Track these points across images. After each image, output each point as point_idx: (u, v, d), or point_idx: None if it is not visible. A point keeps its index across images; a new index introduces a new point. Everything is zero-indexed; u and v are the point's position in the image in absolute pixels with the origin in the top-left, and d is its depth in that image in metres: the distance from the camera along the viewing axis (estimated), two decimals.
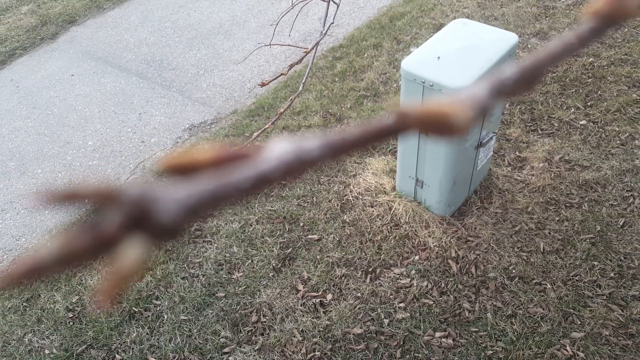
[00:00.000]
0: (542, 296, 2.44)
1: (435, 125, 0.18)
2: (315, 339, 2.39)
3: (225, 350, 2.42)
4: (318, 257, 2.74)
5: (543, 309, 2.39)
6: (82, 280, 2.80)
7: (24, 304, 2.73)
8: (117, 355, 2.45)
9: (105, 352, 2.48)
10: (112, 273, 0.14)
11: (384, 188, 3.02)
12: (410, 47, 4.30)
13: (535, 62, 0.23)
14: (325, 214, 2.95)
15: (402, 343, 2.34)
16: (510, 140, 3.26)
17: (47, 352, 2.50)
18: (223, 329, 2.49)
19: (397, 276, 2.61)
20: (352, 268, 2.67)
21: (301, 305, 2.54)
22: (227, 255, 2.82)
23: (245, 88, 4.23)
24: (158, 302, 2.64)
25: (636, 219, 2.70)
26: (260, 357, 2.37)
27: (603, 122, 3.28)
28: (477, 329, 2.35)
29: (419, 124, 0.18)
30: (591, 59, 3.77)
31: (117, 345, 2.49)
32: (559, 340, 2.27)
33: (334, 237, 2.82)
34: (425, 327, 2.39)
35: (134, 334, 2.52)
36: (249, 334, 2.47)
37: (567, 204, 2.83)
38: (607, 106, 3.38)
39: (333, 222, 2.91)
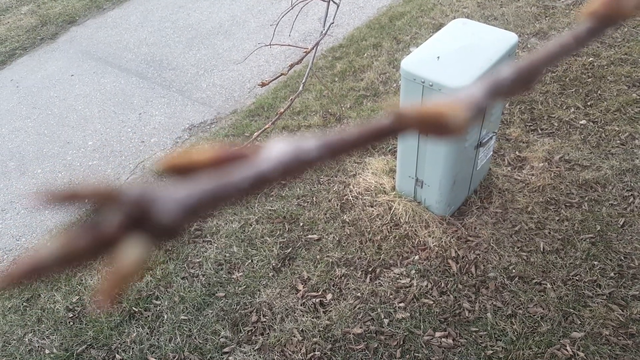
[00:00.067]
0: (542, 296, 2.44)
1: (433, 126, 0.18)
2: (315, 339, 2.40)
3: (225, 350, 2.42)
4: (318, 257, 2.74)
5: (543, 309, 2.39)
6: (82, 280, 2.80)
7: (24, 303, 2.74)
8: (117, 355, 2.45)
9: (106, 352, 2.48)
10: (112, 273, 0.14)
11: (384, 188, 3.02)
12: (410, 47, 4.31)
13: (532, 62, 0.23)
14: (325, 214, 2.95)
15: (402, 343, 2.35)
16: (510, 140, 3.26)
17: (47, 352, 2.50)
18: (223, 328, 2.49)
19: (397, 276, 2.61)
20: (352, 268, 2.67)
21: (301, 305, 2.54)
22: (227, 255, 2.82)
23: (245, 88, 4.23)
24: (158, 302, 2.65)
25: (636, 219, 2.70)
26: (260, 357, 2.37)
27: (603, 121, 3.28)
28: (477, 329, 2.36)
29: (417, 124, 0.19)
30: (591, 59, 3.78)
31: (117, 345, 2.49)
32: (559, 340, 2.28)
33: (333, 237, 2.82)
34: (425, 326, 2.39)
35: (134, 334, 2.52)
36: (249, 333, 2.47)
37: (567, 204, 2.83)
38: (607, 106, 3.38)
39: (333, 222, 2.91)
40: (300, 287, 2.62)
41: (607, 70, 3.66)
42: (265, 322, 2.50)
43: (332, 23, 1.64)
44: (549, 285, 2.47)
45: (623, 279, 2.46)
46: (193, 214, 0.16)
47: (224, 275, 2.73)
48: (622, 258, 2.55)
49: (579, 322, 2.32)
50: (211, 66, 4.53)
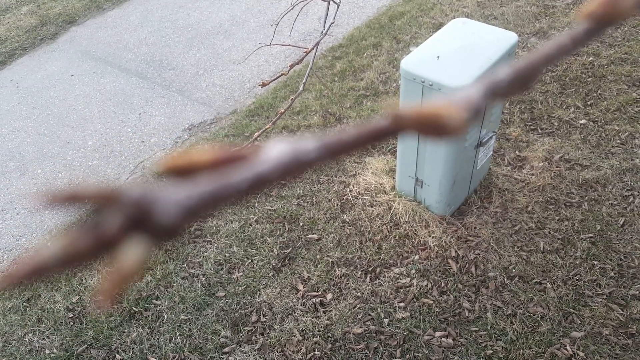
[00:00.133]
0: (542, 295, 2.44)
1: (431, 127, 0.19)
2: (315, 339, 2.40)
3: (225, 350, 2.42)
4: (318, 256, 2.74)
5: (543, 309, 2.39)
6: (82, 280, 2.80)
7: (25, 304, 2.74)
8: (117, 355, 2.45)
9: (106, 352, 2.48)
10: (112, 273, 0.15)
11: (384, 188, 3.02)
12: (409, 46, 4.31)
13: (530, 63, 0.24)
14: (325, 214, 2.96)
15: (402, 342, 2.35)
16: (510, 140, 3.26)
17: (47, 352, 2.50)
18: (223, 328, 2.50)
19: (397, 276, 2.61)
20: (352, 268, 2.67)
21: (301, 305, 2.54)
22: (227, 255, 2.82)
23: (245, 88, 4.24)
24: (158, 302, 2.65)
25: (636, 218, 2.70)
26: (260, 356, 2.37)
27: (603, 121, 3.29)
28: (477, 329, 2.36)
29: (415, 125, 0.19)
30: (591, 58, 3.78)
31: (117, 345, 2.49)
32: (559, 339, 2.28)
33: (333, 237, 2.82)
34: (425, 326, 2.39)
35: (134, 334, 2.52)
36: (249, 333, 2.47)
37: (567, 203, 2.83)
38: (607, 105, 3.38)
39: (333, 221, 2.91)
40: (300, 287, 2.62)
41: (607, 69, 3.66)
42: (265, 322, 2.51)
43: (333, 23, 1.64)
44: (549, 285, 2.47)
45: (623, 278, 2.46)
46: (193, 214, 0.16)
47: (224, 275, 2.73)
48: (622, 258, 2.55)
49: (579, 322, 2.33)
50: (211, 66, 4.53)
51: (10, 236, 3.20)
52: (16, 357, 2.50)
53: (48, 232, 3.19)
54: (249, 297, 2.61)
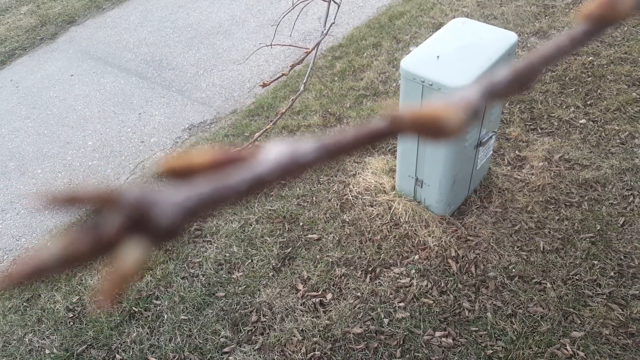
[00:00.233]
0: (542, 295, 2.44)
1: (429, 128, 0.19)
2: (315, 339, 2.40)
3: (225, 349, 2.42)
4: (318, 256, 2.74)
5: (543, 308, 2.39)
6: (82, 280, 2.81)
7: (24, 304, 2.74)
8: (117, 355, 2.46)
9: (106, 352, 2.48)
10: (112, 275, 0.15)
11: (384, 187, 3.02)
12: (409, 46, 4.31)
13: (528, 64, 0.24)
14: (325, 214, 2.96)
15: (402, 342, 2.35)
16: (509, 140, 3.26)
17: (47, 352, 2.50)
18: (223, 328, 2.50)
19: (397, 275, 2.61)
20: (351, 267, 2.67)
21: (301, 305, 2.54)
22: (227, 255, 2.82)
23: (245, 88, 4.24)
24: (158, 302, 2.65)
25: (636, 218, 2.70)
26: (260, 356, 2.37)
27: (603, 120, 3.29)
28: (477, 328, 2.36)
29: (413, 127, 0.19)
30: (591, 58, 3.78)
31: (117, 345, 2.49)
32: (559, 339, 2.28)
33: (333, 237, 2.82)
34: (425, 326, 2.39)
35: (134, 334, 2.52)
36: (249, 333, 2.47)
37: (567, 203, 2.83)
38: (606, 105, 3.38)
39: (333, 221, 2.91)
40: (300, 286, 2.62)
41: (607, 69, 3.66)
42: (265, 321, 2.51)
43: (333, 23, 1.64)
44: (549, 285, 2.48)
45: (623, 278, 2.46)
46: (192, 216, 0.16)
47: (224, 275, 2.73)
48: (622, 257, 2.55)
49: (579, 322, 2.33)
50: (211, 66, 4.53)
51: (10, 236, 3.20)
52: (16, 357, 2.50)
53: (48, 232, 3.19)
54: (249, 297, 2.61)
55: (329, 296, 2.56)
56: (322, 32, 1.55)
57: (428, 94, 2.28)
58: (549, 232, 2.70)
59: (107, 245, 0.15)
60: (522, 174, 3.03)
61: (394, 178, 3.00)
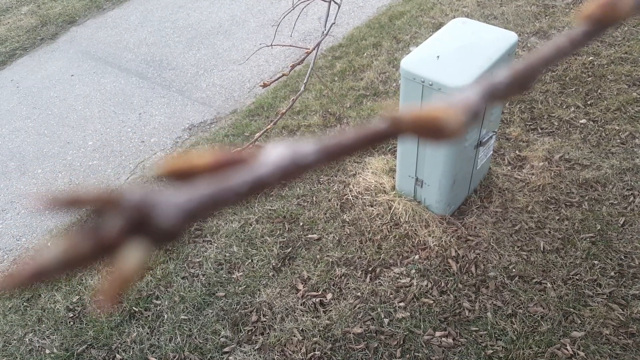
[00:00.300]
0: (542, 295, 2.44)
1: (429, 130, 0.19)
2: (315, 339, 2.40)
3: (226, 349, 2.42)
4: (318, 256, 2.74)
5: (543, 308, 2.39)
6: (82, 280, 2.81)
7: (25, 303, 2.74)
8: (117, 355, 2.46)
9: (106, 351, 2.48)
10: (112, 277, 0.15)
11: (384, 187, 3.02)
12: (409, 46, 4.31)
13: (529, 65, 0.24)
14: (325, 214, 2.96)
15: (402, 342, 2.35)
16: (510, 139, 3.26)
17: (47, 351, 2.50)
18: (223, 328, 2.50)
19: (397, 275, 2.61)
20: (352, 267, 2.68)
21: (301, 305, 2.54)
22: (227, 254, 2.83)
23: (245, 88, 4.24)
24: (158, 302, 2.65)
25: (636, 218, 2.70)
26: (260, 356, 2.37)
27: (603, 120, 3.29)
28: (477, 328, 2.36)
29: (413, 128, 0.19)
30: (591, 58, 3.78)
31: (117, 345, 2.49)
32: (559, 339, 2.28)
33: (333, 237, 2.82)
34: (426, 326, 2.39)
35: (134, 334, 2.52)
36: (249, 333, 2.47)
37: (567, 203, 2.83)
38: (607, 105, 3.38)
39: (333, 221, 2.91)
40: (300, 286, 2.62)
41: (607, 69, 3.66)
42: (265, 321, 2.51)
43: (334, 23, 1.64)
44: (549, 285, 2.47)
45: (623, 278, 2.46)
46: (192, 218, 0.16)
47: (224, 275, 2.73)
48: (623, 257, 2.55)
49: (579, 322, 2.33)
50: (211, 66, 4.53)
51: (10, 236, 3.20)
52: (16, 357, 2.50)
53: (48, 232, 3.19)
54: (249, 297, 2.62)
55: (329, 296, 2.56)
56: (323, 32, 1.55)
57: (428, 93, 2.27)
58: (549, 232, 2.70)
59: (108, 248, 0.15)
60: (522, 174, 3.03)
61: (394, 178, 3.00)
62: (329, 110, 3.76)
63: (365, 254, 2.72)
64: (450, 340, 2.33)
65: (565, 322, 2.34)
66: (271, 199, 3.11)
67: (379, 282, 2.59)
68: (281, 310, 2.53)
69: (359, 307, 2.50)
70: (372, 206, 2.95)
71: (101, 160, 3.70)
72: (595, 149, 3.11)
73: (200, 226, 2.98)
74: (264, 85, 1.37)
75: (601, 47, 3.88)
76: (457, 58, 2.29)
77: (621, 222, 2.69)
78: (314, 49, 1.46)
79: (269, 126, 1.41)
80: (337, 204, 3.00)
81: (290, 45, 1.67)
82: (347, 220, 2.90)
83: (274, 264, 2.74)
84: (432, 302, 2.48)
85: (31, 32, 5.44)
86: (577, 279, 2.49)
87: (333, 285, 2.61)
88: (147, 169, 3.56)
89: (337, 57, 4.32)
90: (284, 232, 2.90)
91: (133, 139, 3.86)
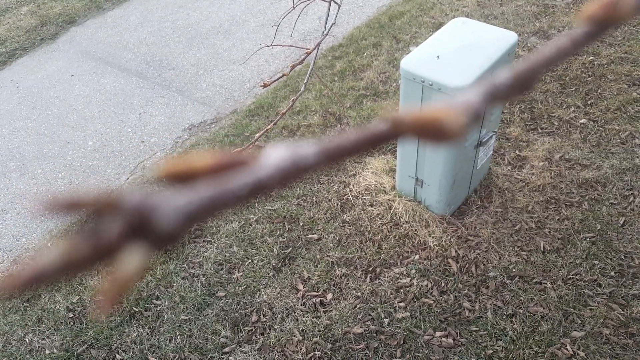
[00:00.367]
0: (543, 295, 2.44)
1: (430, 131, 0.19)
2: (315, 339, 2.40)
3: (226, 350, 2.42)
4: (318, 256, 2.74)
5: (543, 308, 2.39)
6: (82, 280, 2.81)
7: (25, 304, 2.74)
8: (117, 355, 2.46)
9: (106, 352, 2.48)
10: (112, 280, 0.15)
11: (384, 187, 3.02)
12: (409, 46, 4.30)
13: (530, 66, 0.24)
14: (325, 214, 2.96)
15: (402, 342, 2.35)
16: (510, 139, 3.26)
17: (47, 352, 2.50)
18: (223, 328, 2.50)
19: (397, 275, 2.61)
20: (352, 267, 2.67)
21: (301, 305, 2.54)
22: (227, 255, 2.82)
23: (245, 88, 4.24)
24: (158, 302, 2.65)
25: (636, 218, 2.70)
26: (260, 356, 2.37)
27: (603, 120, 3.28)
28: (477, 328, 2.36)
29: (413, 130, 0.19)
30: (591, 58, 3.78)
31: (117, 345, 2.49)
32: (560, 339, 2.28)
33: (333, 237, 2.82)
34: (426, 326, 2.39)
35: (134, 334, 2.52)
36: (249, 333, 2.47)
37: (567, 203, 2.83)
38: (607, 105, 3.38)
39: (333, 221, 2.91)
40: (301, 286, 2.62)
41: (608, 69, 3.65)
42: (265, 322, 2.51)
43: (334, 23, 1.64)
44: (549, 285, 2.47)
45: (623, 278, 2.46)
46: (192, 220, 0.16)
47: (224, 275, 2.73)
48: (623, 257, 2.55)
49: (580, 322, 2.33)
50: (211, 66, 4.53)
51: (10, 236, 3.20)
52: (16, 357, 2.50)
53: (48, 232, 3.19)
54: (249, 297, 2.61)
55: (329, 296, 2.56)
56: (323, 32, 1.55)
57: (428, 93, 2.27)
58: (549, 232, 2.70)
59: (108, 251, 0.15)
60: (522, 174, 3.03)
61: (394, 178, 3.00)
62: (329, 110, 3.76)
63: (366, 254, 2.72)
64: (450, 340, 2.33)
65: (566, 322, 2.34)
66: (271, 199, 3.11)
67: (379, 282, 2.59)
68: (281, 311, 2.53)
69: (359, 307, 2.50)
70: (372, 206, 2.95)
71: (101, 160, 3.70)
72: (595, 149, 3.11)
73: (200, 226, 2.98)
74: (264, 86, 1.37)
75: (601, 47, 3.88)
76: (457, 58, 2.29)
77: (621, 222, 2.69)
78: (314, 49, 1.46)
79: (269, 126, 1.41)
80: (337, 204, 3.00)
81: (290, 46, 1.67)
82: (347, 220, 2.90)
83: (274, 264, 2.74)
84: (432, 302, 2.48)
85: (31, 32, 5.44)
86: (577, 279, 2.49)
87: (333, 286, 2.61)
88: (147, 169, 3.56)
89: (337, 57, 4.32)
90: (284, 232, 2.90)
91: (133, 139, 3.86)
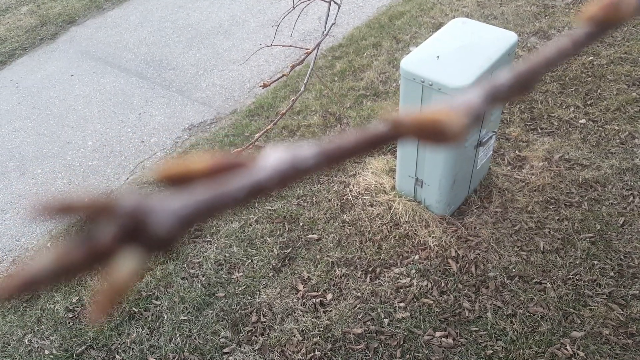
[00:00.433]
0: (542, 295, 2.44)
1: (429, 133, 0.18)
2: (315, 339, 2.40)
3: (225, 350, 2.42)
4: (318, 256, 2.74)
5: (543, 308, 2.39)
6: (81, 280, 2.80)
7: (24, 304, 2.74)
8: (117, 356, 2.45)
9: (105, 352, 2.48)
10: (106, 286, 0.14)
11: (384, 187, 3.02)
12: (409, 46, 4.30)
13: (530, 67, 0.23)
14: (325, 214, 2.95)
15: (402, 343, 2.35)
16: (510, 140, 3.26)
17: (46, 352, 2.50)
18: (223, 329, 2.49)
19: (397, 276, 2.61)
20: (352, 268, 2.67)
21: (301, 305, 2.54)
22: (227, 255, 2.82)
23: (245, 88, 4.23)
24: (158, 302, 2.65)
25: (636, 218, 2.70)
26: (260, 357, 2.37)
27: (603, 120, 3.28)
28: (477, 329, 2.36)
29: (413, 131, 0.19)
30: (591, 58, 3.77)
31: (117, 346, 2.49)
32: (559, 339, 2.28)
33: (333, 237, 2.82)
34: (426, 326, 2.39)
35: (134, 334, 2.52)
36: (249, 334, 2.47)
37: (567, 203, 2.83)
38: (606, 105, 3.38)
39: (333, 221, 2.91)
40: (300, 287, 2.62)
41: (607, 69, 3.65)
42: (265, 322, 2.50)
43: (334, 23, 1.64)
44: (549, 285, 2.47)
45: (623, 278, 2.46)
46: (188, 224, 0.16)
47: (224, 276, 2.73)
48: (622, 257, 2.55)
49: (579, 322, 2.32)
50: (211, 66, 4.53)
51: (9, 236, 3.20)
52: (15, 358, 2.50)
53: (48, 232, 3.19)
54: (249, 298, 2.61)
55: (329, 296, 2.56)
56: (323, 32, 1.55)
57: (428, 94, 2.27)
58: (549, 232, 2.70)
59: (102, 256, 0.15)
60: (522, 174, 3.03)
61: (394, 178, 3.00)
62: (329, 110, 3.76)
63: (365, 254, 2.72)
64: (450, 340, 2.33)
65: (565, 322, 2.34)
66: (271, 199, 3.11)
67: (379, 283, 2.59)
68: (281, 311, 2.53)
69: (359, 308, 2.50)
70: (372, 206, 2.95)
71: (101, 160, 3.70)
72: (595, 149, 3.11)
73: (200, 226, 2.98)
74: (264, 86, 1.37)
75: (601, 47, 3.88)
76: (457, 58, 2.28)
77: (621, 222, 2.69)
78: (314, 49, 1.46)
79: (269, 126, 1.41)
80: (337, 204, 2.99)
81: (290, 46, 1.67)
82: (347, 220, 2.90)
83: (274, 264, 2.74)
84: (432, 302, 2.48)
85: (31, 32, 5.43)
86: (576, 279, 2.49)
87: (333, 286, 2.61)
88: (147, 169, 3.56)
89: (337, 57, 4.32)
90: (284, 233, 2.89)
91: (133, 139, 3.85)
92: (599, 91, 3.50)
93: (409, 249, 2.72)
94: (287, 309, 2.53)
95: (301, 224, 2.93)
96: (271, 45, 1.84)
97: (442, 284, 2.55)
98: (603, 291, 2.42)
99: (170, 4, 5.58)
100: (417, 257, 2.68)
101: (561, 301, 2.40)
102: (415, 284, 2.56)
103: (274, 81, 1.45)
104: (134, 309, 2.62)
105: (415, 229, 2.78)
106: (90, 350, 2.50)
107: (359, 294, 2.55)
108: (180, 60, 4.65)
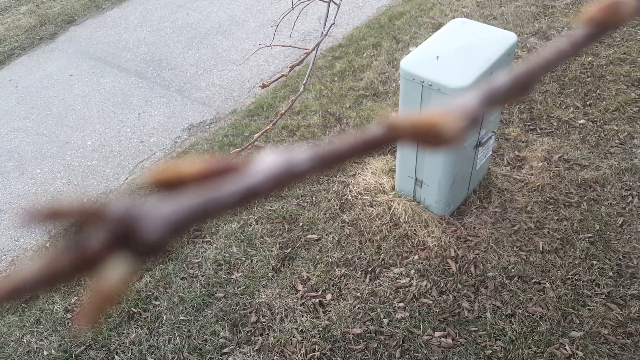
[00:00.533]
0: (541, 295, 2.44)
1: (427, 136, 0.18)
2: (314, 339, 2.39)
3: (225, 350, 2.42)
4: (317, 257, 2.74)
5: (542, 308, 2.39)
6: (81, 280, 2.80)
7: (23, 304, 2.73)
8: (116, 356, 2.45)
9: (104, 352, 2.48)
10: (93, 293, 0.14)
11: (384, 188, 3.02)
12: (409, 46, 4.30)
13: (528, 69, 0.23)
14: (325, 214, 2.95)
15: (401, 343, 2.35)
16: (509, 140, 3.25)
17: (45, 353, 2.50)
18: (222, 329, 2.49)
19: (397, 276, 2.61)
20: (351, 268, 2.67)
21: (300, 305, 2.54)
22: (227, 255, 2.82)
23: (245, 88, 4.23)
24: (157, 303, 2.64)
25: (635, 218, 2.70)
26: (259, 357, 2.37)
27: (602, 121, 3.28)
28: (476, 329, 2.35)
29: (410, 134, 0.18)
30: (590, 58, 3.77)
31: (116, 346, 2.49)
32: (558, 339, 2.28)
33: (333, 237, 2.82)
34: (425, 326, 2.39)
35: (133, 335, 2.52)
36: (249, 334, 2.47)
37: (566, 203, 2.83)
38: (606, 105, 3.38)
39: (332, 221, 2.90)
40: (300, 287, 2.62)
41: (606, 69, 3.65)
42: (264, 322, 2.50)
43: (333, 24, 1.63)
44: (548, 285, 2.47)
45: (622, 278, 2.46)
46: (180, 230, 0.16)
47: (223, 276, 2.73)
48: (621, 257, 2.55)
49: (578, 322, 2.32)
50: (210, 66, 4.52)
51: (8, 237, 3.19)
52: (14, 359, 2.50)
53: (47, 232, 3.18)
54: (249, 298, 2.61)
55: (329, 296, 2.56)
56: (322, 32, 1.54)
57: (428, 94, 2.27)
58: (548, 232, 2.70)
59: (91, 262, 0.14)
60: (521, 174, 3.02)
61: (393, 178, 3.00)
62: (329, 110, 3.76)
63: (365, 254, 2.71)
64: (449, 340, 2.32)
65: (564, 322, 2.33)
66: (270, 199, 3.11)
67: (379, 283, 2.59)
68: (280, 311, 2.53)
69: (358, 308, 2.49)
70: (371, 206, 2.95)
71: (100, 160, 3.69)
72: (594, 150, 3.11)
73: (199, 227, 2.98)
74: (263, 86, 1.37)
75: (600, 47, 3.88)
76: (456, 58, 2.28)
77: (620, 222, 2.69)
78: (313, 49, 1.46)
79: (268, 126, 1.40)
80: (337, 204, 2.99)
81: (289, 46, 1.67)
82: (347, 220, 2.90)
83: (273, 265, 2.73)
84: (431, 302, 2.47)
85: (30, 31, 5.43)
86: (575, 279, 2.49)
87: (332, 286, 2.60)
88: (146, 169, 3.55)
89: (336, 57, 4.31)
90: (283, 233, 2.89)
91: (132, 139, 3.85)
92: (598, 92, 3.49)
93: (408, 249, 2.71)
94: (286, 309, 2.53)
95: (301, 224, 2.93)
96: (270, 46, 1.84)
97: (442, 284, 2.54)
98: (602, 291, 2.42)
99: (169, 3, 5.58)
100: (416, 257, 2.68)
101: (560, 301, 2.40)
102: (414, 284, 2.56)
103: (274, 81, 1.44)
104: (133, 309, 2.62)
105: (414, 229, 2.78)
106: (89, 351, 2.49)
107: (358, 294, 2.55)
108: (180, 60, 4.64)
